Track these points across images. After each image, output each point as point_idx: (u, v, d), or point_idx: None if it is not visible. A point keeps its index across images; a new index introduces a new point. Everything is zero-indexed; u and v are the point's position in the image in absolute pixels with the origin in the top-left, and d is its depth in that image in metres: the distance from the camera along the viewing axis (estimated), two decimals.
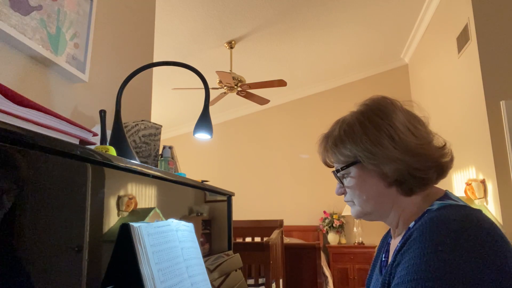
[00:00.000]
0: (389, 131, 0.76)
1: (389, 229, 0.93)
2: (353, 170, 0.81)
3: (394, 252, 0.74)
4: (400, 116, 0.79)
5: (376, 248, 0.98)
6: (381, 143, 0.76)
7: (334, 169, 0.86)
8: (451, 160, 0.79)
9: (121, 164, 0.77)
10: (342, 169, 0.82)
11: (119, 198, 0.77)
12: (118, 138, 1.05)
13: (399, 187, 0.77)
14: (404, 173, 0.75)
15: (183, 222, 0.97)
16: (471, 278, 0.59)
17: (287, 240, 4.24)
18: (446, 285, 0.59)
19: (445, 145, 0.79)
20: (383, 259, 0.89)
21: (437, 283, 0.60)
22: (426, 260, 0.63)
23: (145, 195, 0.89)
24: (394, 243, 0.84)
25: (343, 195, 0.87)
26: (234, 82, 3.95)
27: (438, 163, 0.77)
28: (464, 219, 0.66)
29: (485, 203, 2.90)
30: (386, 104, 0.81)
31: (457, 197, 0.77)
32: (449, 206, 0.71)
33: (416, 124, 0.79)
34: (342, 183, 0.85)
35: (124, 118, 1.28)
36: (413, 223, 0.76)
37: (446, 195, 0.77)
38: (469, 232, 0.63)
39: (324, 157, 0.88)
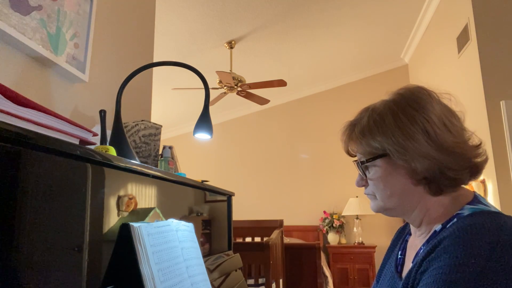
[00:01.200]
0: (424, 125, 0.70)
1: (406, 224, 0.89)
2: (379, 162, 0.75)
3: (417, 256, 0.70)
4: (437, 109, 0.72)
5: (391, 241, 0.94)
6: (415, 137, 0.69)
7: (356, 159, 0.81)
8: (486, 160, 0.74)
9: (121, 164, 0.77)
10: (367, 161, 0.76)
11: (119, 198, 0.77)
12: (118, 138, 1.05)
13: (427, 185, 0.72)
14: (435, 172, 0.69)
15: (183, 222, 0.97)
16: None
17: (287, 240, 4.24)
18: None
19: (480, 144, 0.74)
20: (400, 256, 0.84)
21: None
22: (457, 271, 0.59)
23: (145, 195, 0.89)
24: (415, 242, 0.80)
25: (363, 187, 0.81)
26: (234, 82, 3.95)
27: (473, 163, 0.72)
28: (499, 230, 0.62)
29: None
30: (423, 95, 0.75)
31: (487, 201, 0.73)
32: (481, 212, 0.67)
33: (452, 120, 0.73)
34: (364, 174, 0.78)
35: (124, 118, 1.28)
36: (439, 226, 0.72)
37: (476, 198, 0.73)
38: (505, 245, 0.60)
39: (347, 146, 0.82)
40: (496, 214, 0.66)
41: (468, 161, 0.71)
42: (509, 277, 0.57)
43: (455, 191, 0.73)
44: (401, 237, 0.90)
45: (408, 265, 0.79)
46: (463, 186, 0.75)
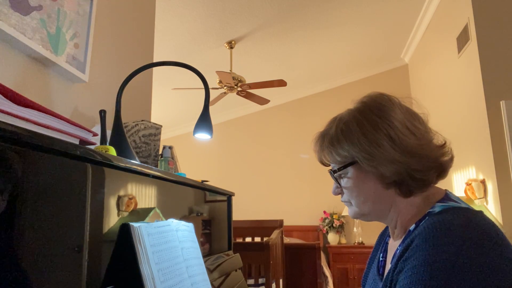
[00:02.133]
0: (387, 131, 0.73)
1: (386, 227, 0.91)
2: (350, 170, 0.78)
3: (395, 258, 0.72)
4: (399, 114, 0.75)
5: (374, 246, 0.96)
6: (380, 143, 0.72)
7: (330, 168, 0.84)
8: (451, 159, 0.76)
9: (121, 164, 0.77)
10: (339, 169, 0.79)
11: (119, 198, 0.77)
12: (118, 138, 1.05)
13: (397, 188, 0.74)
14: (403, 174, 0.72)
15: (183, 222, 0.97)
16: (475, 286, 0.58)
17: (287, 240, 4.24)
18: None
19: (445, 143, 0.76)
20: (381, 258, 0.86)
21: None
22: (430, 269, 0.61)
23: (145, 195, 0.89)
24: (393, 244, 0.82)
25: (339, 195, 0.84)
26: (234, 82, 3.95)
27: (438, 163, 0.74)
28: (468, 225, 0.64)
29: (485, 203, 2.90)
30: (384, 101, 0.77)
31: (458, 198, 0.75)
32: (451, 209, 0.69)
33: (415, 123, 0.75)
34: (339, 183, 0.82)
35: (124, 118, 1.28)
36: (413, 226, 0.73)
37: (447, 196, 0.75)
38: (472, 239, 0.61)
39: (320, 156, 0.85)
40: (465, 210, 0.68)
41: (433, 161, 0.73)
42: (479, 271, 0.59)
43: (425, 191, 0.75)
44: (382, 240, 0.92)
45: (388, 267, 0.80)
46: (434, 185, 0.77)
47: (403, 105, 0.78)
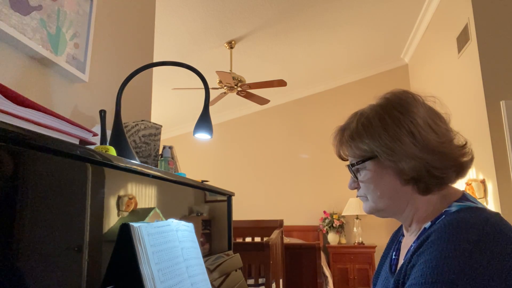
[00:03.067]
0: (409, 127, 0.73)
1: (400, 226, 0.91)
2: (369, 165, 0.78)
3: (408, 252, 0.72)
4: (422, 111, 0.76)
5: (386, 245, 0.96)
6: (401, 139, 0.73)
7: (348, 162, 0.84)
8: (471, 159, 0.77)
9: (121, 164, 0.77)
10: (357, 163, 0.79)
11: (119, 198, 0.77)
12: (118, 138, 1.05)
13: (415, 185, 0.74)
14: (422, 171, 0.72)
15: (183, 222, 0.97)
16: (488, 285, 0.58)
17: (287, 240, 4.24)
18: None
19: (465, 144, 0.77)
20: (394, 257, 0.87)
21: (451, 286, 0.59)
22: (443, 263, 0.61)
23: (145, 195, 0.89)
24: (407, 241, 0.83)
25: (355, 190, 0.84)
26: (234, 82, 3.95)
27: (458, 163, 0.74)
28: (484, 224, 0.64)
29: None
30: (408, 98, 0.78)
31: (475, 199, 0.75)
32: (468, 208, 0.69)
33: (437, 121, 0.76)
34: (356, 177, 0.82)
35: (124, 118, 1.28)
36: (429, 223, 0.74)
37: (464, 196, 0.75)
38: (488, 238, 0.62)
39: (338, 150, 0.85)
40: (482, 210, 0.69)
41: (453, 160, 0.74)
42: (492, 270, 0.59)
43: (443, 190, 0.75)
44: (395, 239, 0.92)
45: (401, 263, 0.80)
46: (451, 185, 0.77)
47: (426, 104, 0.79)
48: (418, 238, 0.74)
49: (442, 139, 0.74)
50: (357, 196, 0.85)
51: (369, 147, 0.76)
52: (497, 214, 0.68)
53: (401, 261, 0.82)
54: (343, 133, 0.82)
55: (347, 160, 0.85)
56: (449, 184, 0.76)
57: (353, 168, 0.81)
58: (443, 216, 0.71)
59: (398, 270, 0.73)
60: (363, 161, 0.78)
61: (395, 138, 0.73)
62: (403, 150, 0.72)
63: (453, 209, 0.71)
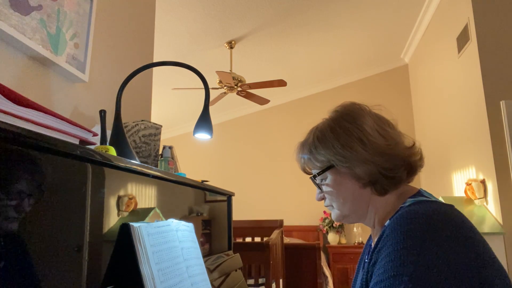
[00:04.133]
0: (358, 135, 0.80)
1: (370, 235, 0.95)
2: (328, 174, 0.84)
3: (370, 251, 0.76)
4: (369, 119, 0.82)
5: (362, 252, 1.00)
6: (352, 146, 0.79)
7: (311, 175, 0.89)
8: (421, 158, 0.83)
9: (121, 164, 0.77)
10: (318, 174, 0.85)
11: (119, 198, 0.77)
12: (118, 138, 1.05)
13: (373, 187, 0.80)
14: (375, 174, 0.78)
15: (183, 222, 0.97)
16: (442, 269, 0.61)
17: (287, 240, 4.24)
18: (420, 279, 0.61)
19: (413, 144, 0.83)
20: (366, 260, 0.89)
21: (411, 277, 0.62)
22: (400, 255, 0.64)
23: (145, 195, 0.89)
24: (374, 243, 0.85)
25: (323, 201, 0.90)
26: (234, 82, 3.95)
27: (407, 162, 0.80)
28: (433, 213, 0.68)
29: (485, 203, 2.90)
30: (355, 109, 0.85)
31: (430, 194, 0.80)
32: (419, 202, 0.74)
33: (384, 126, 0.82)
34: (320, 189, 0.88)
35: (124, 118, 1.28)
36: (388, 221, 0.77)
37: (419, 192, 0.80)
38: (437, 225, 0.66)
39: (302, 165, 0.92)
40: (433, 202, 0.74)
41: (402, 160, 0.80)
42: (443, 255, 0.62)
43: (399, 189, 0.81)
44: (367, 244, 0.96)
45: None
46: (407, 184, 0.84)
47: (372, 112, 0.86)
48: (380, 236, 0.77)
49: (390, 142, 0.80)
50: (324, 206, 0.91)
51: (325, 157, 0.83)
52: (449, 205, 0.73)
53: None
54: (303, 148, 0.90)
55: (311, 173, 0.91)
56: (405, 184, 0.82)
57: (316, 180, 0.88)
58: (399, 211, 0.75)
59: (365, 270, 0.76)
60: (323, 171, 0.84)
61: (347, 146, 0.80)
62: (355, 156, 0.79)
63: (407, 204, 0.76)
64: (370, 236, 0.97)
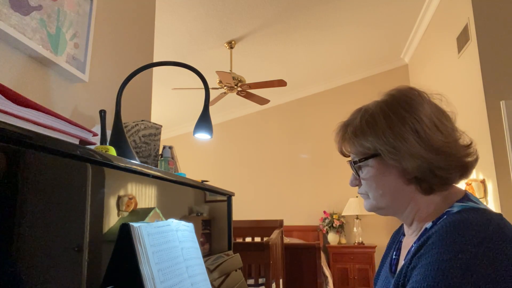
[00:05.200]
0: (414, 126, 0.71)
1: (401, 226, 0.90)
2: (371, 162, 0.76)
3: (409, 254, 0.71)
4: (428, 109, 0.74)
5: (387, 244, 0.96)
6: (405, 138, 0.71)
7: (350, 159, 0.82)
8: (476, 160, 0.75)
9: (121, 164, 0.77)
10: (360, 161, 0.78)
11: (119, 198, 0.77)
12: (118, 138, 1.05)
13: (418, 184, 0.73)
14: (425, 171, 0.71)
15: (183, 222, 0.97)
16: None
17: (287, 240, 4.23)
18: None
19: (471, 144, 0.75)
20: (394, 257, 0.86)
21: None
22: (445, 266, 0.60)
23: (145, 195, 0.89)
24: (407, 241, 0.82)
25: (356, 187, 0.83)
26: (234, 82, 3.95)
27: (462, 163, 0.73)
28: (486, 226, 0.63)
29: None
30: (414, 95, 0.76)
31: (477, 199, 0.74)
32: (470, 209, 0.68)
33: (443, 120, 0.74)
34: (357, 174, 0.80)
35: (124, 118, 1.28)
36: (430, 223, 0.73)
37: (467, 196, 0.73)
38: (492, 240, 0.61)
39: (340, 146, 0.83)
40: (484, 211, 0.67)
41: (457, 161, 0.72)
42: (494, 272, 0.58)
43: (445, 190, 0.74)
44: (396, 239, 0.91)
45: (401, 264, 0.79)
46: (454, 185, 0.76)
47: (432, 101, 0.77)
48: (419, 238, 0.73)
49: (448, 138, 0.72)
50: (358, 193, 0.84)
51: (372, 145, 0.75)
52: (499, 215, 0.67)
53: (401, 262, 0.81)
54: (346, 129, 0.80)
55: (349, 156, 0.84)
56: (453, 185, 0.75)
57: (355, 165, 0.80)
58: (445, 216, 0.70)
59: (398, 271, 0.72)
60: (366, 158, 0.76)
61: (400, 136, 0.72)
62: (407, 149, 0.71)
63: (455, 209, 0.70)
64: (399, 230, 0.91)
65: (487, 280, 0.57)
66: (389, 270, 0.84)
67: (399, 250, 0.86)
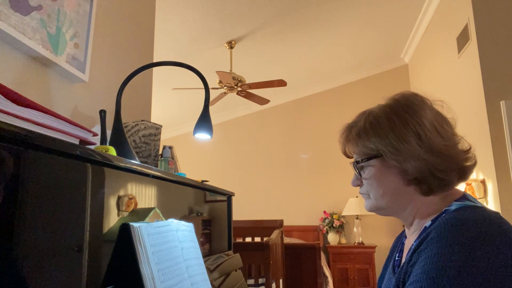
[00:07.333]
0: (416, 129, 0.75)
1: (403, 231, 0.93)
2: (373, 163, 0.79)
3: (409, 251, 0.73)
4: (429, 114, 0.77)
5: (390, 247, 0.98)
6: (407, 140, 0.74)
7: (352, 160, 0.85)
8: (474, 164, 0.78)
9: (121, 164, 0.77)
10: (362, 161, 0.81)
11: (119, 198, 0.77)
12: (118, 138, 1.05)
13: (418, 186, 0.76)
14: (425, 173, 0.73)
15: (183, 222, 0.97)
16: (486, 281, 0.59)
17: (287, 240, 4.23)
18: (460, 284, 0.59)
19: (469, 149, 0.78)
20: (397, 258, 0.88)
21: (453, 283, 0.60)
22: (444, 260, 0.62)
23: (145, 195, 0.89)
24: (409, 242, 0.84)
25: (358, 187, 0.86)
26: (234, 82, 3.95)
27: (461, 166, 0.76)
28: (482, 222, 0.65)
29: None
30: (416, 100, 0.80)
31: (475, 199, 0.77)
32: (467, 207, 0.71)
33: (443, 125, 0.78)
34: (360, 174, 0.83)
35: (124, 118, 1.28)
36: (429, 222, 0.75)
37: (465, 196, 0.76)
38: (488, 235, 0.63)
39: (344, 147, 0.87)
40: (481, 209, 0.70)
41: (456, 164, 0.75)
42: (491, 267, 0.60)
43: (444, 192, 0.77)
44: (399, 242, 0.93)
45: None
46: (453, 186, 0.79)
47: (434, 107, 0.80)
48: (419, 237, 0.75)
49: (448, 142, 0.75)
50: (359, 193, 0.86)
51: (375, 145, 0.78)
52: (496, 213, 0.69)
53: (403, 261, 0.83)
54: (350, 131, 0.84)
55: (352, 157, 0.87)
56: (451, 187, 0.77)
57: (357, 166, 0.83)
58: (443, 214, 0.72)
59: (400, 269, 0.74)
60: (368, 159, 0.80)
61: (402, 138, 0.75)
62: (409, 151, 0.74)
63: (453, 207, 0.73)
64: (401, 234, 0.94)
65: (482, 272, 0.60)
66: (392, 271, 0.86)
67: (401, 251, 0.88)
